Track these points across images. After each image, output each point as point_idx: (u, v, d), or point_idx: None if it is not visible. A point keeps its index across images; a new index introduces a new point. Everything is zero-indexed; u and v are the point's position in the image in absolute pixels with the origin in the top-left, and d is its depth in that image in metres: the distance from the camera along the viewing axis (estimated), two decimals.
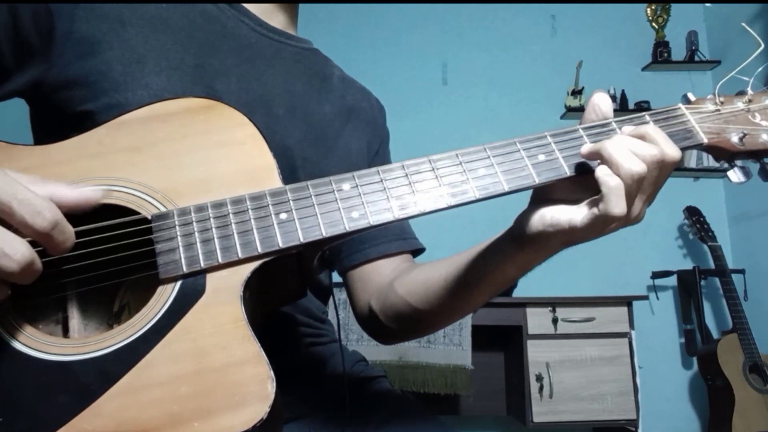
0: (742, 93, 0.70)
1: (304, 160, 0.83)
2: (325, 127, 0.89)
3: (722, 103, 0.69)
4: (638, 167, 0.58)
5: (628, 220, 0.61)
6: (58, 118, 0.73)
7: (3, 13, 0.69)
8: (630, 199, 0.59)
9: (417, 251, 1.00)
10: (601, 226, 0.60)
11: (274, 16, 0.90)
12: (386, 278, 0.92)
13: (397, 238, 0.96)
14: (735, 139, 0.67)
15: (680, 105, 0.69)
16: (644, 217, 0.63)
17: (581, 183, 0.63)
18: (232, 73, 0.80)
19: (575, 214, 0.61)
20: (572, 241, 0.64)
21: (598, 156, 0.60)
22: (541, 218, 0.64)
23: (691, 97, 0.71)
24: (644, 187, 0.60)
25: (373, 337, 0.96)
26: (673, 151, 0.60)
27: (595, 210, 0.59)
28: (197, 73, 0.77)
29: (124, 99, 0.71)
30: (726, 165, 0.69)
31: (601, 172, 0.59)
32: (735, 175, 0.68)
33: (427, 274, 0.84)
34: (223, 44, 0.82)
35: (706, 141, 0.67)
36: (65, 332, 0.62)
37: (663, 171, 0.61)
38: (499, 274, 0.73)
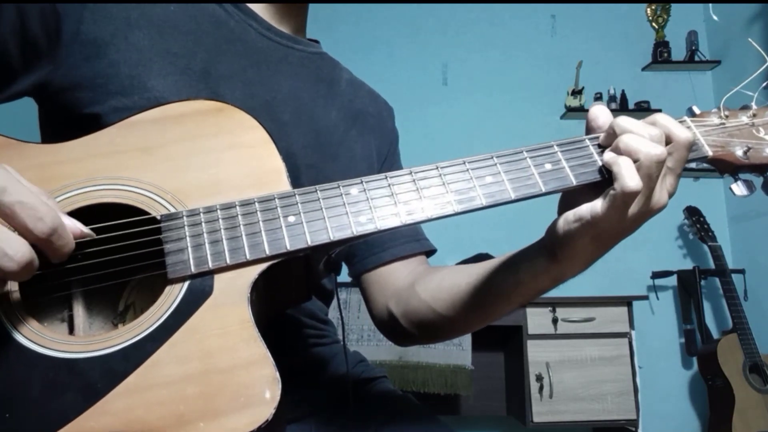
0: (746, 107, 0.71)
1: (308, 166, 0.83)
2: (330, 133, 0.89)
3: (727, 116, 0.70)
4: (657, 150, 0.58)
5: (650, 207, 0.61)
6: (66, 119, 0.73)
7: (11, 14, 0.69)
8: (651, 184, 0.59)
9: (430, 252, 1.00)
10: (621, 207, 0.59)
11: (283, 21, 0.90)
12: (404, 281, 0.92)
13: (410, 240, 0.96)
14: (739, 152, 0.67)
15: (686, 117, 0.70)
16: (666, 204, 0.63)
17: (604, 189, 0.63)
18: (238, 78, 0.80)
19: (595, 203, 0.61)
20: (601, 235, 0.63)
21: (617, 149, 0.61)
22: (565, 219, 0.64)
23: (696, 110, 0.71)
24: (663, 173, 0.61)
25: (392, 340, 0.96)
26: (684, 133, 0.61)
27: (612, 192, 0.59)
28: (203, 78, 0.77)
29: (130, 102, 0.71)
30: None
31: (608, 156, 0.61)
32: (738, 188, 0.69)
33: (452, 281, 0.83)
34: (229, 49, 0.81)
35: (710, 154, 0.68)
36: (70, 330, 0.62)
37: (679, 154, 0.62)
38: (531, 286, 0.73)
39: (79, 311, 0.62)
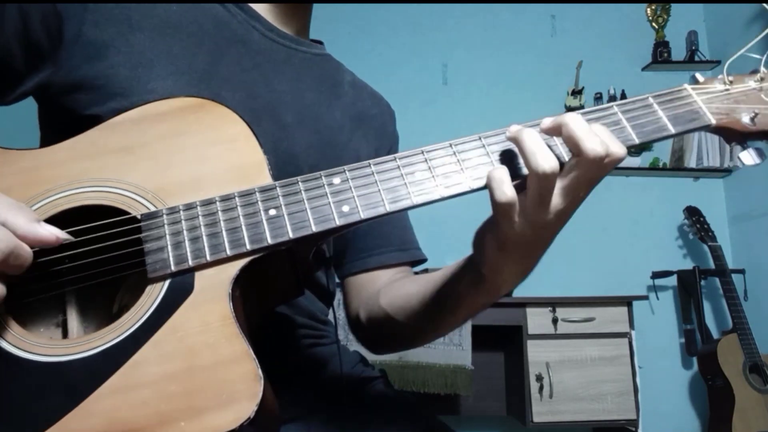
0: (754, 72, 0.67)
1: (311, 168, 0.81)
2: (333, 135, 0.89)
3: (731, 82, 0.66)
4: (547, 164, 0.55)
5: (548, 218, 0.58)
6: (66, 120, 0.73)
7: (14, 16, 0.69)
8: (545, 195, 0.57)
9: (417, 262, 0.99)
10: (505, 216, 0.58)
11: (286, 21, 0.90)
12: (376, 288, 0.92)
13: (397, 249, 0.96)
14: (746, 119, 0.64)
15: (686, 85, 0.66)
16: (568, 217, 0.60)
17: None
18: (240, 80, 0.80)
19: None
20: (506, 245, 0.61)
21: (517, 144, 0.58)
22: (476, 231, 0.65)
23: (699, 77, 0.67)
24: (565, 185, 0.58)
25: (363, 346, 0.97)
26: (591, 148, 0.56)
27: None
28: (204, 79, 0.77)
29: (129, 103, 0.70)
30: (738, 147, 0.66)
31: (493, 168, 0.59)
32: (749, 156, 0.64)
33: (408, 288, 0.84)
34: (232, 50, 0.81)
35: (714, 122, 0.64)
36: (65, 334, 0.62)
37: (583, 170, 0.57)
38: (470, 300, 0.73)
39: (72, 315, 0.62)
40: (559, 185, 0.58)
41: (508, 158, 0.61)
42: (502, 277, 0.66)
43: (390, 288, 0.88)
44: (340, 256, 0.97)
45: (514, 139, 0.59)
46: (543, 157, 0.55)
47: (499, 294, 0.70)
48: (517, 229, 0.59)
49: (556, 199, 0.58)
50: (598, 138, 0.56)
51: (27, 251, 0.53)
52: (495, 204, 0.58)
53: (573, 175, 0.57)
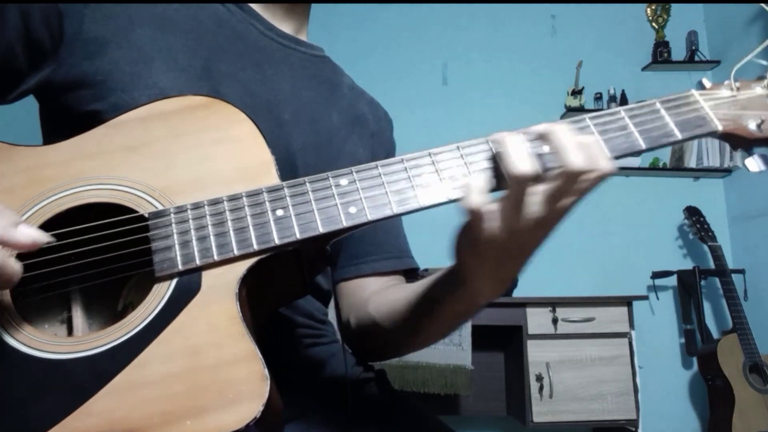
0: (761, 78, 0.67)
1: (306, 166, 0.82)
2: (331, 135, 0.88)
3: (738, 88, 0.66)
4: (523, 167, 0.55)
5: (521, 225, 0.58)
6: (67, 118, 0.73)
7: (15, 16, 0.69)
8: (516, 202, 0.57)
9: (411, 271, 0.99)
10: (472, 220, 0.59)
11: (284, 20, 0.90)
12: (368, 295, 0.92)
13: (391, 257, 0.96)
14: (752, 126, 0.63)
15: (693, 91, 0.66)
16: (550, 228, 0.59)
17: None
18: (239, 77, 0.80)
19: None
20: (478, 246, 0.61)
21: (499, 148, 0.58)
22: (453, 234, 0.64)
23: (706, 83, 0.67)
24: (543, 192, 0.57)
25: (353, 353, 0.96)
26: (572, 161, 0.55)
27: None
28: (204, 76, 0.77)
29: (130, 99, 0.70)
30: (745, 153, 0.66)
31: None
32: (754, 163, 0.64)
33: (396, 295, 0.84)
34: (231, 47, 0.81)
35: (720, 128, 0.64)
36: (70, 331, 0.61)
37: (563, 181, 0.56)
38: (448, 307, 0.73)
39: (77, 312, 0.62)
40: (538, 192, 0.57)
41: None
42: (478, 284, 0.66)
43: (379, 295, 0.88)
44: (334, 259, 0.97)
45: (498, 143, 0.59)
46: (519, 160, 0.55)
47: (477, 303, 0.69)
48: (491, 233, 0.59)
49: (535, 206, 0.57)
50: (582, 153, 0.56)
51: (11, 268, 0.50)
52: (464, 210, 0.58)
53: (554, 184, 0.57)
